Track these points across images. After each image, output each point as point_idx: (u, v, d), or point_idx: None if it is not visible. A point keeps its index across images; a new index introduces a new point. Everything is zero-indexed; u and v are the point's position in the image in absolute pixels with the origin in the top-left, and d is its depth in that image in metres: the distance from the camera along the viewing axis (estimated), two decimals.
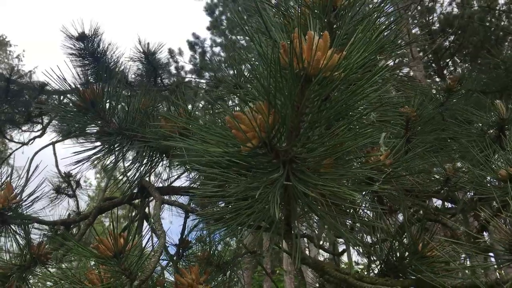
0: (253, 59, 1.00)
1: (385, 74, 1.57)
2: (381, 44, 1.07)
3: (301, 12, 1.20)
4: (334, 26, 1.20)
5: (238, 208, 1.23)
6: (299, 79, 0.93)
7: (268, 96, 0.95)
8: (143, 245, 1.37)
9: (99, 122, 1.70)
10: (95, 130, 1.75)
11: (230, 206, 1.31)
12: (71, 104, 1.76)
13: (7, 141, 4.02)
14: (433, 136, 2.19)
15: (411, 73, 6.58)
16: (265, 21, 0.94)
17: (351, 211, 1.37)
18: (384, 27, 1.20)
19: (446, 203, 2.09)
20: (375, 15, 1.19)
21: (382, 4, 1.29)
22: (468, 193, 1.88)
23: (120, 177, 1.85)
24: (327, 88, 0.96)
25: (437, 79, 10.54)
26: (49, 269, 1.66)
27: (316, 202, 1.11)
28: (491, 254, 1.27)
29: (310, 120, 1.00)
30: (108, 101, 1.69)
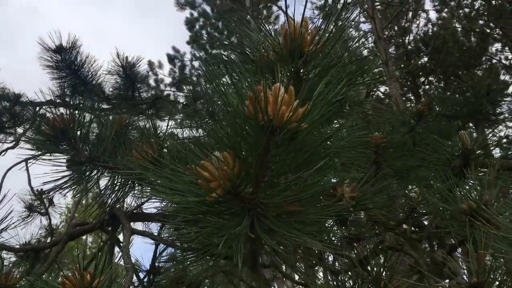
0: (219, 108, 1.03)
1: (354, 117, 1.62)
2: (345, 97, 1.10)
3: (268, 58, 1.23)
4: (302, 71, 1.24)
5: (208, 244, 1.25)
6: (265, 130, 0.96)
7: (233, 146, 0.98)
8: (111, 280, 1.37)
9: (69, 151, 1.70)
10: (65, 158, 1.74)
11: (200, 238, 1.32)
12: (41, 132, 1.75)
13: None
14: (401, 162, 2.25)
15: (388, 91, 6.70)
16: (230, 73, 0.97)
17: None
18: (350, 74, 1.23)
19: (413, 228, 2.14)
20: (343, 64, 1.23)
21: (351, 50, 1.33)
22: (433, 222, 1.93)
23: (92, 204, 1.85)
24: (292, 139, 0.99)
25: (412, 97, 10.76)
26: None
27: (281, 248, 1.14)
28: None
29: (275, 169, 1.03)
30: (79, 129, 1.69)
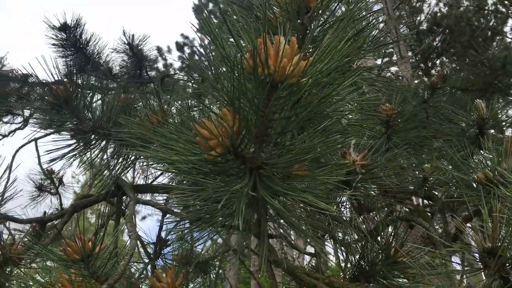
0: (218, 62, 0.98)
1: (361, 75, 1.56)
2: (352, 48, 1.04)
3: (273, 14, 1.17)
4: (308, 28, 1.18)
5: (211, 210, 1.21)
6: (265, 85, 0.91)
7: (232, 102, 0.93)
8: (114, 248, 1.35)
9: (73, 120, 1.67)
10: (69, 127, 1.72)
11: (205, 208, 1.29)
12: (45, 100, 1.73)
13: None
14: (414, 134, 2.18)
15: (399, 72, 6.55)
16: (227, 22, 0.92)
17: (326, 213, 1.36)
18: (356, 31, 1.17)
19: (425, 201, 2.09)
20: (350, 17, 1.17)
21: (359, 5, 1.27)
22: (446, 193, 1.87)
23: (97, 175, 1.83)
24: (294, 95, 0.94)
25: (425, 79, 10.52)
26: (22, 270, 1.63)
27: (285, 207, 1.09)
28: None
29: (277, 127, 0.98)
30: (82, 98, 1.66)
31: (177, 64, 11.79)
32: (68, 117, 1.69)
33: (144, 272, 1.83)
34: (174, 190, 1.27)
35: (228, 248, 2.59)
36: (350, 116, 1.36)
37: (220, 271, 2.46)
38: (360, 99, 1.34)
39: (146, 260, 1.98)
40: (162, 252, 1.97)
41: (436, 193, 1.97)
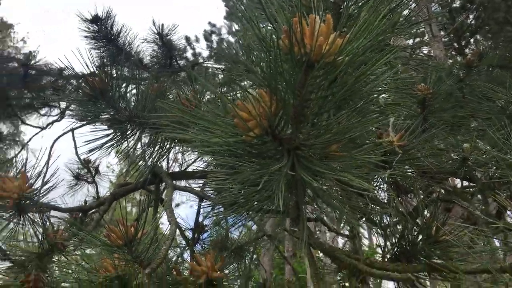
0: (254, 44, 0.97)
1: (397, 55, 1.53)
2: (388, 26, 1.02)
3: None
4: (341, 7, 1.16)
5: (248, 194, 1.22)
6: (301, 64, 0.91)
7: (269, 83, 0.93)
8: (154, 233, 1.37)
9: (109, 110, 1.70)
10: (106, 118, 1.76)
11: (242, 192, 1.30)
12: (81, 92, 1.77)
13: (24, 125, 4.10)
14: (451, 114, 2.13)
15: (432, 52, 6.36)
16: (262, 2, 0.91)
17: (364, 195, 1.35)
18: (389, 9, 1.15)
19: (465, 182, 2.04)
20: None
21: None
22: (487, 173, 1.83)
23: (133, 165, 1.86)
24: (330, 73, 0.93)
25: (458, 58, 10.19)
26: (67, 256, 1.69)
27: (324, 188, 1.09)
28: None
29: (314, 107, 0.98)
30: (117, 89, 1.69)
31: (205, 53, 11.85)
32: (104, 108, 1.72)
33: (181, 257, 1.87)
34: (210, 175, 1.28)
35: (262, 234, 2.62)
36: (386, 95, 1.34)
37: (255, 256, 2.48)
38: (395, 78, 1.32)
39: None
40: (200, 237, 2.00)
41: (476, 173, 1.92)
